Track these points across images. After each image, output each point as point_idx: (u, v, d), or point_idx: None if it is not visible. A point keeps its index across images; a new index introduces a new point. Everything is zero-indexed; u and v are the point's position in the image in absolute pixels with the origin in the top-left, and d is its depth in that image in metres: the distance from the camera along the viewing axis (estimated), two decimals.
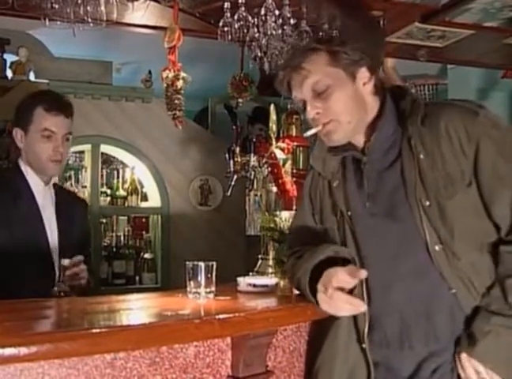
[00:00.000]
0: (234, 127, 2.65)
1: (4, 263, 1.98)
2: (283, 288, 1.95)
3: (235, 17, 2.54)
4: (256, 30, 2.57)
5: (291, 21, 2.63)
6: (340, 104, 1.56)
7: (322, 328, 1.66)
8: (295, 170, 2.47)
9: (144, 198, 4.68)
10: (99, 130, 4.32)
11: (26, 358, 1.15)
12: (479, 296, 1.47)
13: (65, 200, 2.26)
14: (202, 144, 4.64)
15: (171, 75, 2.65)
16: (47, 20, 2.30)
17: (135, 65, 5.37)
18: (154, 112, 4.40)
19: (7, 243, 2.01)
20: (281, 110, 2.61)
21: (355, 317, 1.58)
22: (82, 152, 4.51)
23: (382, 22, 3.06)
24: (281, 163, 2.41)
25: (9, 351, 1.12)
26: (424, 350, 1.52)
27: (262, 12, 2.54)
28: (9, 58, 4.52)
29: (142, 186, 4.66)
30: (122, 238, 4.48)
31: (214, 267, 1.67)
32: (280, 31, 2.60)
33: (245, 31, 2.56)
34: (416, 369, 1.53)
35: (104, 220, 4.57)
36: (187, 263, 1.67)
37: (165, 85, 2.69)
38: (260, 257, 2.34)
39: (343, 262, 1.55)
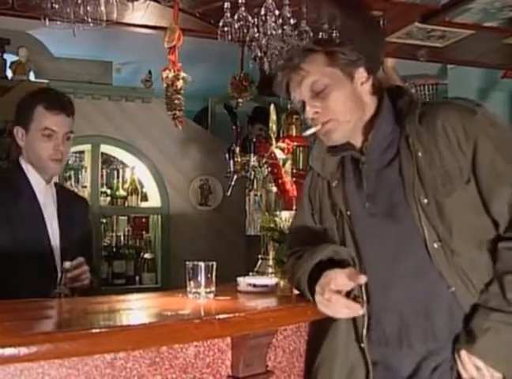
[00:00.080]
0: (234, 127, 2.65)
1: (4, 262, 1.96)
2: (283, 288, 1.95)
3: (235, 17, 2.54)
4: (256, 30, 2.57)
5: (291, 21, 2.63)
6: (339, 103, 1.57)
7: (322, 327, 1.67)
8: (295, 170, 2.47)
9: (144, 198, 4.68)
10: (99, 130, 4.32)
11: (26, 358, 1.15)
12: (477, 294, 1.47)
13: (67, 199, 2.25)
14: (202, 144, 4.64)
15: (171, 75, 2.65)
16: (47, 20, 2.30)
17: (135, 65, 5.37)
18: (154, 112, 4.40)
19: (8, 242, 2.00)
20: (281, 110, 2.61)
21: (354, 317, 1.58)
22: (82, 152, 4.51)
23: (382, 22, 3.06)
24: (281, 163, 2.41)
25: (9, 351, 1.12)
26: (423, 348, 1.53)
27: (262, 12, 2.54)
28: (9, 58, 4.52)
29: (142, 186, 4.66)
30: (122, 238, 4.48)
31: (214, 267, 1.67)
32: (280, 31, 2.60)
33: (245, 31, 2.56)
34: (416, 368, 1.54)
35: (104, 220, 4.57)
36: (187, 263, 1.67)
37: (165, 85, 2.69)
38: (260, 257, 2.34)
39: (343, 262, 1.56)
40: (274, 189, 2.40)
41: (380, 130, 1.59)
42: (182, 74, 2.66)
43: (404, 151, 1.55)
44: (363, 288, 1.53)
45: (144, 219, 4.71)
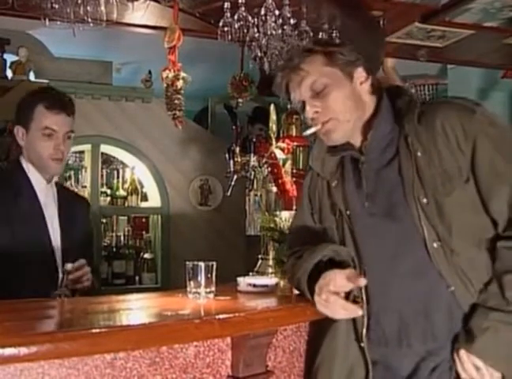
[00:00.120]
0: (234, 127, 2.65)
1: (5, 262, 1.95)
2: (283, 288, 1.95)
3: (235, 17, 2.54)
4: (256, 30, 2.57)
5: (291, 21, 2.63)
6: (339, 103, 1.58)
7: (322, 327, 1.67)
8: (295, 170, 2.47)
9: (144, 198, 4.68)
10: (99, 130, 4.32)
11: (26, 358, 1.15)
12: (476, 293, 1.47)
13: (67, 199, 2.24)
14: (202, 144, 4.64)
15: (171, 75, 2.65)
16: (47, 20, 2.30)
17: (135, 65, 5.37)
18: (154, 112, 4.40)
19: (8, 242, 1.99)
20: (281, 110, 2.61)
21: (353, 317, 1.59)
22: (82, 152, 4.51)
23: (382, 22, 3.06)
24: (281, 163, 2.41)
25: (9, 351, 1.12)
26: (422, 348, 1.53)
27: (262, 12, 2.54)
28: (9, 58, 4.52)
29: (142, 186, 4.66)
30: (122, 238, 4.48)
31: (214, 267, 1.67)
32: (280, 31, 2.60)
33: (245, 31, 2.56)
34: (415, 368, 1.54)
35: (104, 220, 4.57)
36: (187, 263, 1.67)
37: (165, 85, 2.69)
38: (260, 257, 2.34)
39: (343, 263, 1.56)
40: (274, 189, 2.40)
41: (379, 130, 1.59)
42: (182, 74, 2.66)
43: (403, 150, 1.55)
44: (363, 289, 1.53)
45: (144, 219, 4.71)
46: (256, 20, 2.55)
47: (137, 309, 1.71)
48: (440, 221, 1.48)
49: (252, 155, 2.48)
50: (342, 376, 1.62)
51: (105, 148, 4.47)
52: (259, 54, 2.72)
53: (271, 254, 2.30)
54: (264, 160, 2.42)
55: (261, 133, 4.14)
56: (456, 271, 1.47)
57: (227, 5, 2.55)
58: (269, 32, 2.57)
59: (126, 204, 4.56)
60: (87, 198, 3.08)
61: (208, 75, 4.93)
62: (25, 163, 2.14)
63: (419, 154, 1.52)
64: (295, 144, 2.53)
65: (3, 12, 2.78)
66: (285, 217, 2.26)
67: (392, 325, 1.56)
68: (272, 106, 2.48)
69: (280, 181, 2.39)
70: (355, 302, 1.54)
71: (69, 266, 1.97)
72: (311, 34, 2.72)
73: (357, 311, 1.50)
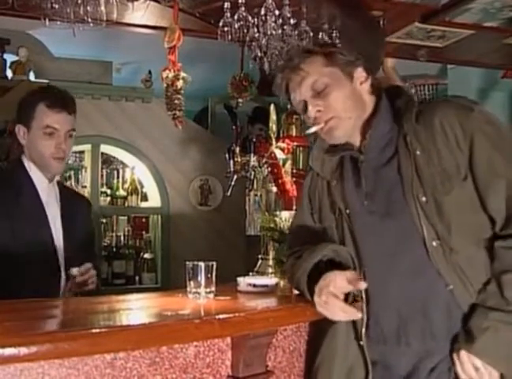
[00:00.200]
0: (234, 127, 2.65)
1: (8, 261, 1.95)
2: (283, 288, 1.95)
3: (235, 17, 2.54)
4: (256, 30, 2.57)
5: (291, 21, 2.63)
6: (340, 101, 1.59)
7: (321, 327, 1.67)
8: (295, 170, 2.47)
9: (144, 198, 4.68)
10: (99, 130, 4.32)
11: (26, 358, 1.15)
12: (475, 293, 1.47)
13: (69, 198, 2.24)
14: (202, 144, 4.64)
15: (171, 75, 2.65)
16: (47, 20, 2.30)
17: (135, 65, 5.37)
18: (154, 112, 4.41)
19: (10, 241, 1.98)
20: (281, 110, 2.61)
21: None
22: (82, 152, 4.52)
23: (382, 22, 3.06)
24: (281, 163, 2.41)
25: (9, 351, 1.12)
26: (421, 347, 1.53)
27: (262, 12, 2.54)
28: (9, 58, 4.52)
29: (142, 186, 4.66)
30: (122, 238, 4.48)
31: (214, 267, 1.67)
32: (280, 31, 2.60)
33: (245, 31, 2.55)
34: (414, 368, 1.54)
35: (104, 220, 4.57)
36: (187, 263, 1.67)
37: (165, 85, 2.68)
38: (260, 257, 2.34)
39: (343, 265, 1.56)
40: (274, 189, 2.40)
41: (378, 129, 1.60)
42: (182, 74, 2.66)
43: (402, 149, 1.55)
44: (363, 291, 1.54)
45: (144, 219, 4.71)
46: (256, 20, 2.55)
47: (137, 309, 1.71)
48: (439, 220, 1.49)
49: (252, 155, 2.48)
50: (342, 375, 1.62)
51: (105, 148, 4.47)
52: (259, 54, 2.72)
53: (271, 254, 2.30)
54: (264, 160, 2.42)
55: (261, 133, 4.14)
56: (454, 269, 1.47)
57: (227, 5, 2.55)
58: (269, 32, 2.56)
59: (126, 204, 4.56)
60: (88, 198, 3.07)
61: (208, 75, 4.93)
62: (27, 162, 2.13)
63: (418, 153, 1.52)
64: (295, 144, 2.53)
65: (3, 12, 2.78)
66: (285, 217, 2.26)
67: (391, 323, 1.56)
68: (272, 106, 2.48)
69: (280, 181, 2.39)
70: (354, 301, 1.55)
71: (74, 271, 1.98)
72: (311, 34, 2.71)
73: (356, 314, 1.50)
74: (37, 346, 1.16)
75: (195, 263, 1.66)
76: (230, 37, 2.56)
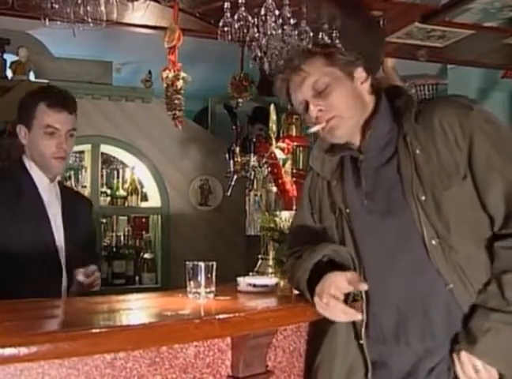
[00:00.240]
0: (234, 127, 2.65)
1: (9, 261, 1.95)
2: (283, 288, 1.95)
3: (235, 17, 2.54)
4: (256, 30, 2.57)
5: (291, 21, 2.62)
6: (342, 100, 1.59)
7: (322, 326, 1.67)
8: (295, 170, 2.47)
9: (144, 198, 4.68)
10: (99, 130, 4.32)
11: (26, 358, 1.15)
12: (475, 293, 1.47)
13: (71, 198, 2.24)
14: (202, 144, 4.64)
15: (171, 75, 2.65)
16: (47, 20, 2.29)
17: (135, 65, 5.37)
18: (154, 112, 4.40)
19: (11, 241, 1.98)
20: (281, 110, 2.61)
21: None
22: (82, 152, 4.51)
23: (382, 22, 3.06)
24: (281, 163, 2.41)
25: (9, 351, 1.12)
26: (420, 346, 1.53)
27: (262, 12, 2.54)
28: (9, 58, 4.52)
29: (142, 186, 4.66)
30: (122, 238, 4.48)
31: (214, 267, 1.67)
32: (280, 31, 2.59)
33: (245, 31, 2.55)
34: (413, 368, 1.54)
35: (104, 220, 4.57)
36: (187, 263, 1.67)
37: (165, 85, 2.68)
38: (260, 257, 2.34)
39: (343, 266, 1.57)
40: (274, 189, 2.40)
41: (377, 129, 1.60)
42: (182, 74, 2.66)
43: (402, 149, 1.56)
44: (363, 293, 1.54)
45: (144, 219, 4.72)
46: (256, 20, 2.55)
47: (137, 309, 1.71)
48: (438, 218, 1.49)
49: (252, 155, 2.48)
50: (342, 375, 1.62)
51: (105, 148, 4.47)
52: (259, 54, 2.72)
53: (271, 254, 2.30)
54: (264, 160, 2.42)
55: (261, 133, 4.13)
56: (454, 268, 1.48)
57: (227, 5, 2.55)
58: (269, 32, 2.56)
59: (126, 204, 4.56)
60: (90, 199, 3.08)
61: (208, 75, 4.93)
62: (28, 162, 2.13)
63: (417, 152, 1.52)
64: (295, 144, 2.53)
65: (3, 12, 2.77)
66: (285, 217, 2.26)
67: (390, 322, 1.56)
68: (272, 106, 2.48)
69: (280, 181, 2.39)
70: (354, 300, 1.55)
71: (81, 277, 1.98)
72: (311, 34, 2.71)
73: (357, 315, 1.51)
74: (37, 346, 1.16)
75: (195, 263, 1.66)
76: (230, 37, 2.56)
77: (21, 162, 2.14)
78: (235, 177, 2.52)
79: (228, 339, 1.61)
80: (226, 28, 2.55)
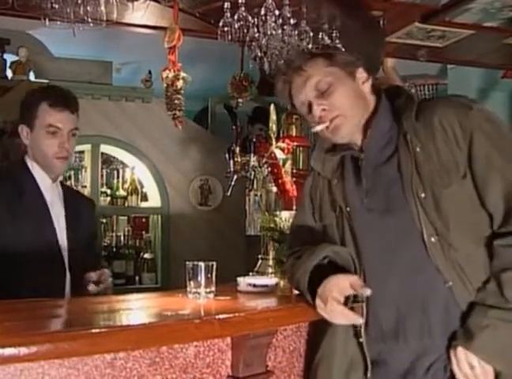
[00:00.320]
0: (234, 127, 2.65)
1: (12, 261, 1.94)
2: (283, 288, 1.95)
3: (235, 17, 2.53)
4: (256, 30, 2.57)
5: (291, 21, 2.62)
6: (344, 100, 1.60)
7: (321, 325, 1.67)
8: (295, 170, 2.47)
9: (144, 198, 4.68)
10: (99, 130, 4.32)
11: (26, 358, 1.15)
12: (474, 291, 1.48)
13: (73, 198, 2.24)
14: (202, 144, 4.64)
15: (171, 75, 2.65)
16: (47, 20, 2.29)
17: (135, 65, 5.37)
18: (154, 112, 4.40)
19: (14, 241, 1.98)
20: (281, 110, 2.61)
21: None
22: (82, 152, 4.51)
23: (382, 22, 3.06)
24: (281, 163, 2.41)
25: (9, 351, 1.12)
26: (418, 344, 1.53)
27: (262, 12, 2.54)
28: (9, 58, 4.52)
29: (142, 186, 4.66)
30: (122, 238, 4.48)
31: (214, 267, 1.67)
32: (280, 31, 2.59)
33: (245, 31, 2.55)
34: (411, 365, 1.54)
35: (104, 220, 4.57)
36: (187, 263, 1.67)
37: (165, 85, 2.68)
38: (260, 257, 2.34)
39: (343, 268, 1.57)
40: (274, 189, 2.40)
41: (378, 128, 1.61)
42: (182, 74, 2.66)
43: (402, 148, 1.56)
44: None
45: (144, 219, 4.72)
46: (256, 20, 2.55)
47: (137, 309, 1.71)
48: (438, 216, 1.49)
49: (252, 155, 2.48)
50: (342, 372, 1.62)
51: (105, 148, 4.47)
52: (259, 54, 2.72)
53: (271, 254, 2.30)
54: (264, 160, 2.42)
55: (261, 133, 4.14)
56: (453, 266, 1.48)
57: (227, 5, 2.55)
58: (269, 32, 2.56)
59: (126, 204, 4.56)
60: (93, 199, 3.08)
61: (208, 75, 4.93)
62: (30, 162, 2.12)
63: (418, 150, 1.53)
64: (295, 144, 2.54)
65: (3, 12, 2.78)
66: (285, 217, 2.26)
67: (389, 320, 1.57)
68: (272, 106, 2.48)
69: (280, 181, 2.39)
70: (355, 301, 1.55)
71: (92, 288, 1.99)
72: (311, 34, 2.71)
73: (358, 319, 1.52)
74: (37, 346, 1.16)
75: (195, 263, 1.66)
76: (230, 37, 2.56)
77: (23, 162, 2.14)
78: (235, 177, 2.52)
79: (228, 339, 1.61)
80: (226, 28, 2.55)
